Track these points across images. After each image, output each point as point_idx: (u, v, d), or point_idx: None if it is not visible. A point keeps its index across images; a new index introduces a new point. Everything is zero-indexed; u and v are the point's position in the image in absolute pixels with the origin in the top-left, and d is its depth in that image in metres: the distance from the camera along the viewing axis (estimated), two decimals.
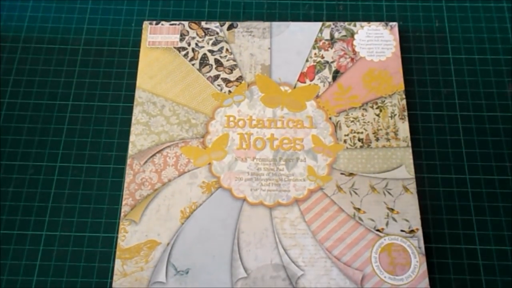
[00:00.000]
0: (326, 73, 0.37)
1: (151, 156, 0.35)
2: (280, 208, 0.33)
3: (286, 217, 0.33)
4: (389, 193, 0.33)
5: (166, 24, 0.39)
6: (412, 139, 0.35)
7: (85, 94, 0.38)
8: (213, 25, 0.39)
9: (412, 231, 0.32)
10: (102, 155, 0.36)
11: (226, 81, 0.37)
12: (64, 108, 0.38)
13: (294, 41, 0.39)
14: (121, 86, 0.38)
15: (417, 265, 0.31)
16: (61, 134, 0.37)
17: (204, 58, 0.38)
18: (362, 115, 0.36)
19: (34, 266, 0.33)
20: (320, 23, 0.39)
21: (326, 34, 0.39)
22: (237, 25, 0.39)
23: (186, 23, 0.39)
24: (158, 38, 0.39)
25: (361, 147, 0.35)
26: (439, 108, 0.37)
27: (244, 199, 0.33)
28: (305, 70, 0.38)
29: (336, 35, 0.39)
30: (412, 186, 0.34)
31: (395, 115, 0.36)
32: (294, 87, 0.37)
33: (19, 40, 0.40)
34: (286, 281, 0.31)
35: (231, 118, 0.36)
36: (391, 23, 0.39)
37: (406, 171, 0.34)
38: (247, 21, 0.40)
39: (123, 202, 0.33)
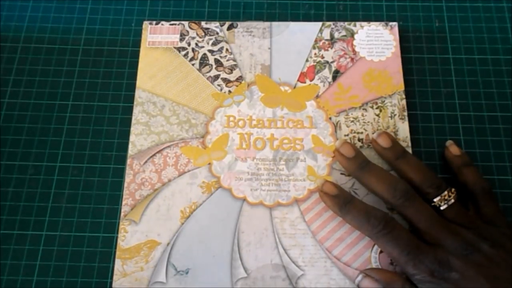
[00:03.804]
0: (326, 73, 0.37)
1: (151, 156, 0.35)
2: (280, 208, 0.33)
3: (286, 217, 0.33)
4: None
5: (166, 24, 0.39)
6: (412, 139, 0.35)
7: (85, 94, 0.38)
8: (213, 25, 0.39)
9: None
10: (102, 155, 0.36)
11: (226, 81, 0.37)
12: (64, 108, 0.38)
13: (294, 41, 0.39)
14: (121, 86, 0.38)
15: None
16: (61, 134, 0.37)
17: (204, 58, 0.38)
18: (362, 115, 0.36)
19: (34, 266, 0.33)
20: (320, 23, 0.39)
21: (326, 34, 0.39)
22: (237, 25, 0.39)
23: (186, 23, 0.39)
24: (158, 38, 0.39)
25: (361, 147, 0.35)
26: (439, 108, 0.37)
27: (244, 199, 0.33)
28: (305, 70, 0.38)
29: (336, 35, 0.39)
30: None
31: (395, 115, 0.36)
32: (294, 87, 0.37)
33: (19, 40, 0.40)
34: (286, 281, 0.31)
35: (231, 118, 0.36)
36: (391, 23, 0.39)
37: None
38: (247, 21, 0.40)
39: (123, 202, 0.33)
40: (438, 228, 0.29)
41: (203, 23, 0.39)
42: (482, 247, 0.28)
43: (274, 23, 0.39)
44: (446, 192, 0.31)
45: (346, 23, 0.39)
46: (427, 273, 0.28)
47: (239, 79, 0.37)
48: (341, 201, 0.31)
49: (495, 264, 0.28)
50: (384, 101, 0.36)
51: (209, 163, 0.35)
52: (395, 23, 0.39)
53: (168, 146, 0.35)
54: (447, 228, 0.29)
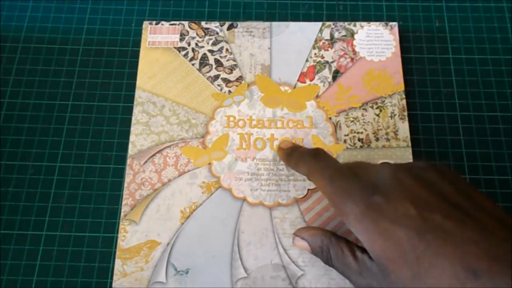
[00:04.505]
0: (326, 73, 0.37)
1: (151, 156, 0.35)
2: (280, 208, 0.33)
3: (286, 217, 0.33)
4: None
5: (166, 24, 0.39)
6: (412, 139, 0.35)
7: (85, 94, 0.38)
8: (213, 25, 0.39)
9: None
10: (102, 155, 0.36)
11: (226, 81, 0.37)
12: (64, 108, 0.38)
13: (294, 41, 0.39)
14: (121, 86, 0.38)
15: None
16: (61, 134, 0.37)
17: (204, 58, 0.38)
18: (362, 115, 0.36)
19: (34, 266, 0.33)
20: (320, 23, 0.39)
21: (326, 34, 0.39)
22: (237, 25, 0.39)
23: (186, 23, 0.39)
24: (158, 38, 0.39)
25: (361, 147, 0.35)
26: (439, 108, 0.37)
27: (244, 199, 0.33)
28: (305, 70, 0.38)
29: (336, 35, 0.39)
30: None
31: (395, 115, 0.36)
32: (294, 87, 0.37)
33: (19, 40, 0.40)
34: (286, 281, 0.31)
35: (231, 118, 0.36)
36: (391, 23, 0.39)
37: None
38: (247, 21, 0.40)
39: (123, 202, 0.33)
40: (359, 163, 0.28)
41: (203, 23, 0.39)
42: (411, 170, 0.25)
43: (274, 23, 0.39)
44: None
45: (346, 23, 0.39)
46: (357, 203, 0.24)
47: (239, 79, 0.37)
48: (289, 151, 0.33)
49: (424, 187, 0.24)
50: (384, 101, 0.36)
51: (209, 163, 0.35)
52: (395, 23, 0.39)
53: (168, 146, 0.35)
54: (374, 164, 0.28)
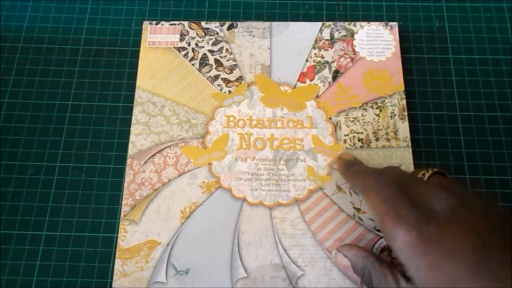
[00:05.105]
0: (326, 73, 0.37)
1: (151, 156, 0.35)
2: (280, 208, 0.33)
3: (286, 217, 0.33)
4: None
5: (166, 24, 0.39)
6: (412, 139, 0.35)
7: (85, 94, 0.38)
8: (213, 25, 0.39)
9: None
10: (102, 155, 0.36)
11: (226, 81, 0.37)
12: (64, 108, 0.38)
13: (294, 41, 0.39)
14: (121, 86, 0.38)
15: None
16: (61, 134, 0.37)
17: (204, 58, 0.38)
18: (362, 115, 0.36)
19: (34, 266, 0.33)
20: (320, 23, 0.39)
21: (326, 34, 0.39)
22: (237, 25, 0.39)
23: (186, 23, 0.39)
24: (158, 38, 0.39)
25: (361, 147, 0.35)
26: (439, 108, 0.37)
27: (244, 199, 0.33)
28: (305, 70, 0.38)
29: (336, 35, 0.39)
30: None
31: (395, 115, 0.36)
32: (294, 87, 0.37)
33: (19, 40, 0.40)
34: (286, 281, 0.31)
35: (231, 118, 0.36)
36: (391, 23, 0.39)
37: None
38: (247, 21, 0.40)
39: (123, 202, 0.33)
40: (422, 185, 0.26)
41: (203, 23, 0.39)
42: (470, 204, 0.24)
43: (274, 23, 0.39)
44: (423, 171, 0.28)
45: (346, 23, 0.39)
46: (410, 231, 0.23)
47: (239, 79, 0.37)
48: (350, 163, 0.32)
49: (486, 226, 0.23)
50: (384, 101, 0.36)
51: (209, 163, 0.35)
52: (395, 23, 0.39)
53: (168, 146, 0.35)
54: (431, 186, 0.26)
